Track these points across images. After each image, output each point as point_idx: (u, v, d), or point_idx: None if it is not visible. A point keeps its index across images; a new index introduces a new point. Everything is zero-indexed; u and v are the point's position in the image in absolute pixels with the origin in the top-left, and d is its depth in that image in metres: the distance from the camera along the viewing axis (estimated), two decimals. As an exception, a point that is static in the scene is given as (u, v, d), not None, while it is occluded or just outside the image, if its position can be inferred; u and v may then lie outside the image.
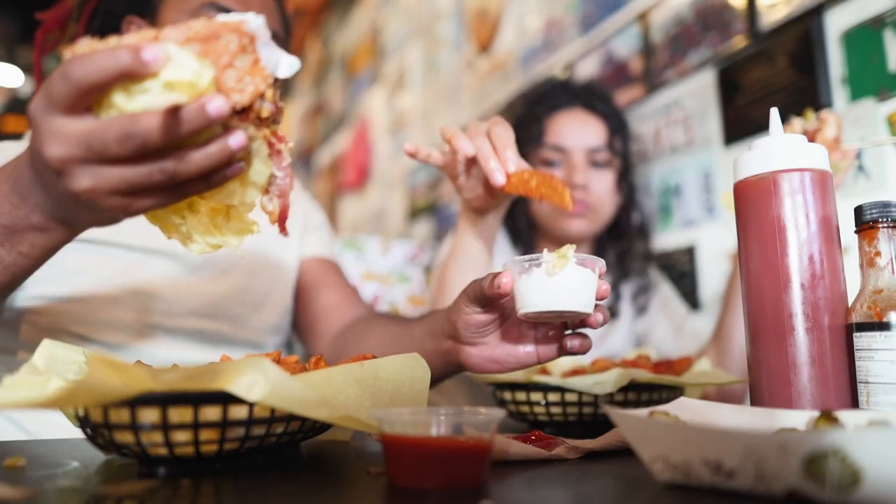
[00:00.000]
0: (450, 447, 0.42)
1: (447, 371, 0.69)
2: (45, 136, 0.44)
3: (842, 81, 1.10)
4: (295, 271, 1.04)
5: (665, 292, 1.28)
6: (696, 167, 1.38)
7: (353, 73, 3.52)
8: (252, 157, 0.47)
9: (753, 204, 0.60)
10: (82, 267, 0.84)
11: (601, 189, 1.16)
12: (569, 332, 0.61)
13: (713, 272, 1.34)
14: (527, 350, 0.61)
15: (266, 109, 0.45)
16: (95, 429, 0.47)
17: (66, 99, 0.42)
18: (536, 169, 0.64)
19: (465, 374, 0.74)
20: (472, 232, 0.82)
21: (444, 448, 0.42)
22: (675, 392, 0.76)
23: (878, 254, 0.57)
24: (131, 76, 0.41)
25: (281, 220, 0.50)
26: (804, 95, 1.14)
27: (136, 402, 0.43)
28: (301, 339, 1.06)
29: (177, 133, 0.41)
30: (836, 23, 1.11)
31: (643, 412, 0.47)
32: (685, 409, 0.51)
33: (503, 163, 0.65)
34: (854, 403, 0.56)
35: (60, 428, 0.82)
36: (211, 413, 0.45)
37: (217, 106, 0.41)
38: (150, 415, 0.44)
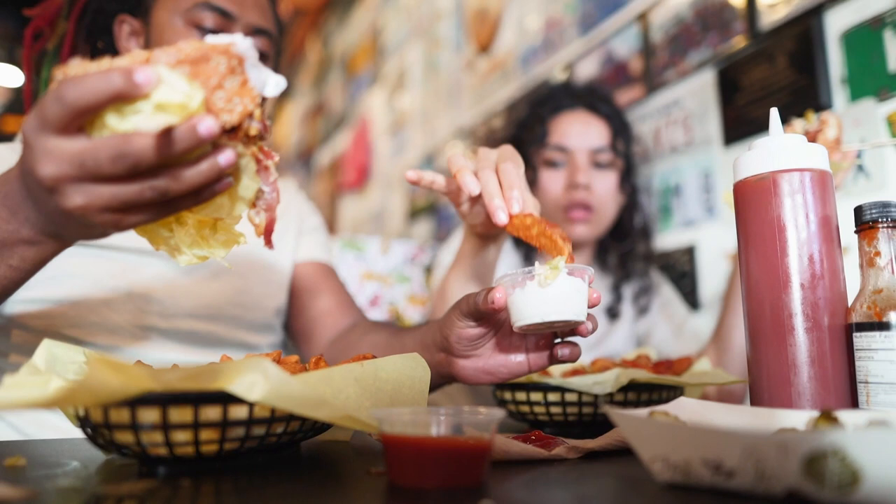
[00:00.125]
0: (450, 447, 0.42)
1: (440, 382, 0.69)
2: (39, 155, 0.45)
3: (841, 81, 1.10)
4: (289, 273, 1.03)
5: (666, 293, 1.28)
6: (696, 167, 1.38)
7: (353, 73, 3.52)
8: (240, 172, 0.48)
9: (753, 204, 0.60)
10: (76, 270, 0.84)
11: (604, 190, 1.17)
12: (558, 340, 0.62)
13: (713, 272, 1.34)
14: (518, 360, 0.63)
15: (254, 128, 0.47)
16: (96, 429, 0.47)
17: (60, 120, 0.43)
18: (542, 218, 0.63)
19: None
20: (475, 253, 0.81)
21: (444, 448, 0.42)
22: (675, 392, 0.76)
23: (877, 254, 0.57)
24: (124, 98, 0.42)
25: (267, 232, 0.51)
26: (804, 95, 1.14)
27: (137, 402, 0.43)
28: (295, 343, 1.05)
29: (169, 153, 0.43)
30: (836, 23, 1.11)
31: (643, 412, 0.47)
32: (685, 409, 0.51)
33: (507, 201, 0.64)
34: (854, 403, 0.56)
35: (58, 430, 0.82)
36: (211, 413, 0.45)
37: (207, 126, 0.42)
38: (150, 415, 0.44)
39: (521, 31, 2.02)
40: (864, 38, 1.06)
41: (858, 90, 1.07)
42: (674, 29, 1.44)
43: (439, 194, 0.77)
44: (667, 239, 1.44)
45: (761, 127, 1.22)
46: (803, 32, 1.14)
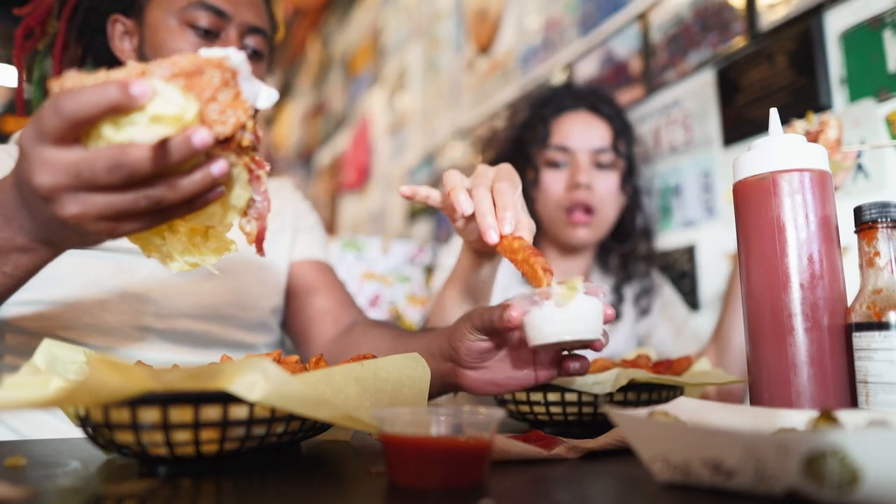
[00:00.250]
0: (450, 447, 0.43)
1: (443, 391, 0.69)
2: (35, 165, 0.46)
3: (841, 82, 1.10)
4: (285, 272, 1.03)
5: (667, 294, 1.28)
6: (696, 167, 1.38)
7: (353, 73, 3.52)
8: (233, 182, 0.50)
9: (753, 204, 0.60)
10: (69, 271, 0.84)
11: (605, 190, 1.17)
12: (566, 352, 0.62)
13: (713, 272, 1.34)
14: (526, 373, 0.63)
15: (247, 139, 0.48)
16: (96, 428, 0.47)
17: (57, 131, 0.44)
18: (529, 245, 0.62)
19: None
20: (470, 268, 0.81)
21: (444, 448, 0.43)
22: (674, 392, 0.76)
23: (877, 254, 0.57)
24: (120, 109, 0.43)
25: (258, 240, 0.52)
26: (803, 96, 1.14)
27: (137, 401, 0.43)
28: (294, 342, 1.05)
29: (164, 163, 0.44)
30: (836, 23, 1.11)
31: (643, 412, 0.47)
32: (685, 409, 0.51)
33: (499, 221, 0.64)
34: (853, 403, 0.56)
35: (56, 432, 0.82)
36: (211, 413, 0.45)
37: (202, 137, 0.44)
38: (150, 414, 0.44)
39: (521, 31, 2.02)
40: (864, 38, 1.06)
41: (858, 90, 1.07)
42: (673, 29, 1.44)
43: (435, 207, 0.76)
44: (667, 239, 1.44)
45: (761, 127, 1.22)
46: (803, 32, 1.14)
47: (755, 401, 0.60)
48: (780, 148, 0.59)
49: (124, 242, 0.86)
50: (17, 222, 0.53)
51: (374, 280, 1.55)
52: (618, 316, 1.24)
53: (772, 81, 1.21)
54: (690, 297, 1.38)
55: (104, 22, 0.91)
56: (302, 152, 4.52)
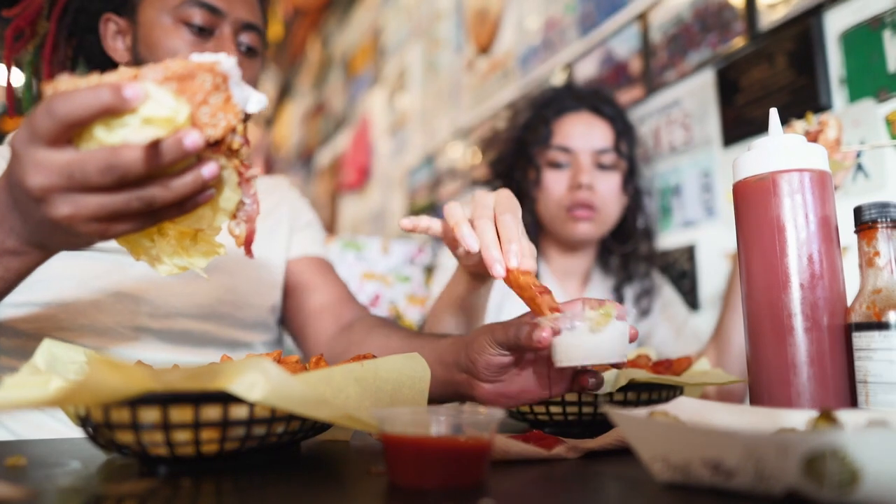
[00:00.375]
0: (450, 447, 0.43)
1: (451, 399, 0.68)
2: (27, 166, 0.46)
3: (841, 82, 1.10)
4: (282, 270, 1.02)
5: (667, 295, 1.28)
6: (696, 167, 1.38)
7: (353, 73, 3.52)
8: (223, 184, 0.50)
9: (753, 204, 0.60)
10: (64, 272, 0.83)
11: (607, 191, 1.17)
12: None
13: (713, 272, 1.34)
14: (540, 387, 0.63)
15: (237, 142, 0.49)
16: (96, 428, 0.47)
17: (50, 133, 0.45)
18: (537, 283, 0.62)
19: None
20: (465, 288, 0.81)
21: (444, 448, 0.43)
22: (674, 392, 0.76)
23: (877, 254, 0.57)
24: (112, 112, 0.44)
25: (247, 243, 0.53)
26: (803, 96, 1.14)
27: (137, 401, 0.43)
28: (294, 341, 1.04)
29: (156, 164, 0.45)
30: (836, 23, 1.11)
31: (643, 412, 0.47)
32: (685, 409, 0.51)
33: (505, 254, 0.63)
34: (853, 403, 0.56)
35: (55, 433, 0.82)
36: (211, 413, 0.45)
37: (193, 140, 0.44)
38: (150, 414, 0.44)
39: (521, 31, 2.02)
40: (864, 38, 1.06)
41: (858, 90, 1.07)
42: (673, 29, 1.44)
43: (436, 237, 0.76)
44: (667, 239, 1.44)
45: (761, 127, 1.22)
46: (803, 33, 1.14)
47: (755, 401, 0.60)
48: (780, 148, 0.59)
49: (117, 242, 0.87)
50: (9, 225, 0.53)
51: (374, 280, 1.55)
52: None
53: (772, 81, 1.21)
54: (690, 297, 1.38)
55: (95, 22, 0.91)
56: (302, 152, 4.52)
